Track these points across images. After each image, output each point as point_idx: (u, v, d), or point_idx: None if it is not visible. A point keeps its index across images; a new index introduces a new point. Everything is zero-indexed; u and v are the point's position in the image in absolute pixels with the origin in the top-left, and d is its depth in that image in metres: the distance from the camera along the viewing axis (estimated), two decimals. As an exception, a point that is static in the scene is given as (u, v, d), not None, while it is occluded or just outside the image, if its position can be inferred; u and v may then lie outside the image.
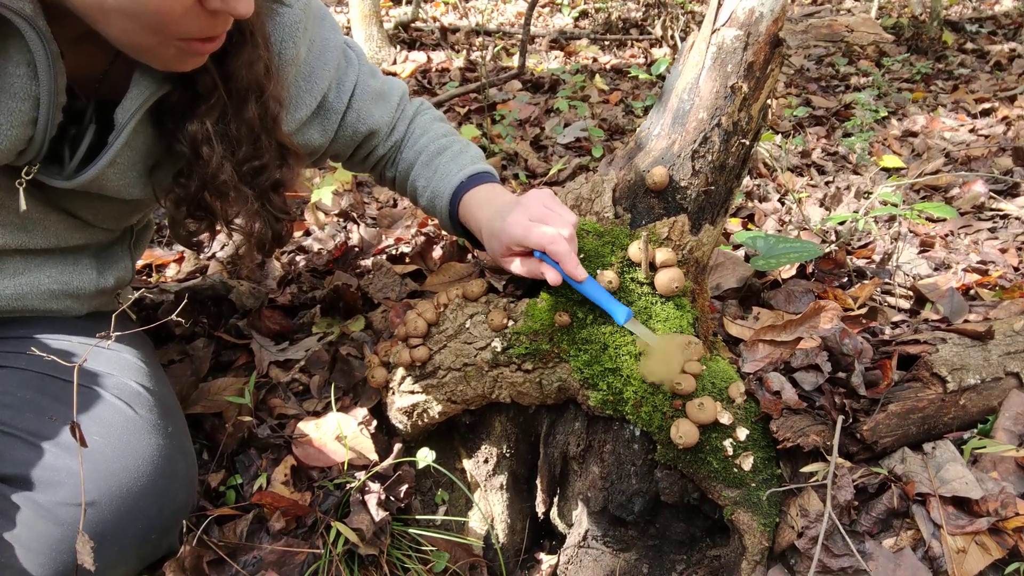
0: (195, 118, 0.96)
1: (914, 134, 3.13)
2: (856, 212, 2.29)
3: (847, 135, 3.08)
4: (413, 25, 4.55)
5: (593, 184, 1.26)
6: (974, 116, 3.35)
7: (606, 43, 4.40)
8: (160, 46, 0.83)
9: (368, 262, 2.06)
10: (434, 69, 3.97)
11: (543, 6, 5.08)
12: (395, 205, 2.63)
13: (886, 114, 3.29)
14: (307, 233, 2.40)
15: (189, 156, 0.99)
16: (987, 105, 3.41)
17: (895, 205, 2.25)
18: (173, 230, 1.12)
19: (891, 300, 1.77)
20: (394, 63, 4.00)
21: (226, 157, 0.99)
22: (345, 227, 2.45)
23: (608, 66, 4.08)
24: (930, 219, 2.32)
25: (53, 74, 0.84)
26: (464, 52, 4.20)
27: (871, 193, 2.47)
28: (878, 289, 1.83)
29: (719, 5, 1.28)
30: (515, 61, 3.83)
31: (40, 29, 0.81)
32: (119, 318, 1.00)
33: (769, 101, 1.45)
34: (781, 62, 1.28)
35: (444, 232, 2.42)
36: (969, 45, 4.42)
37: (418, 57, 4.07)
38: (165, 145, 1.02)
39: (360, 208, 2.56)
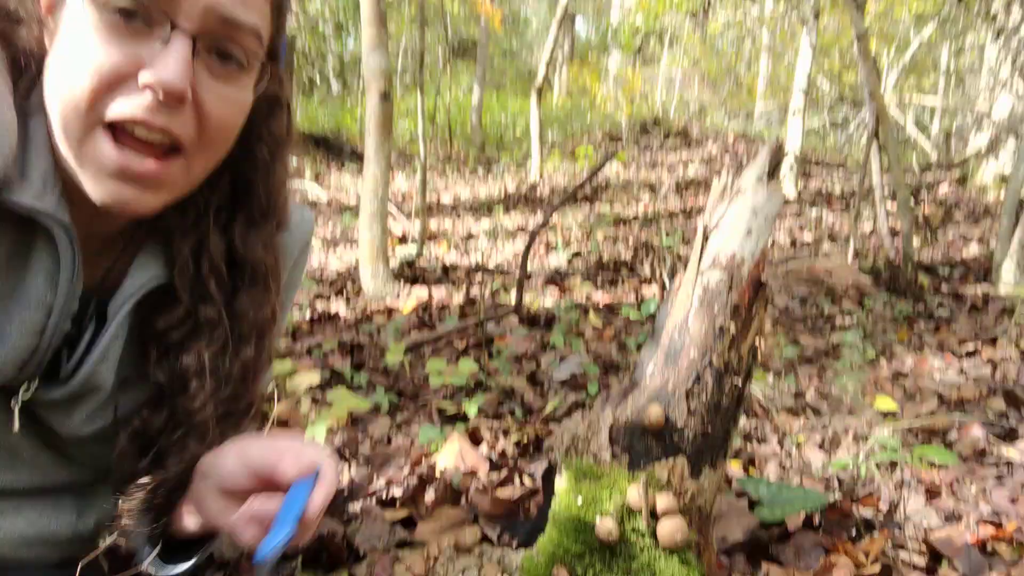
0: (192, 351, 0.88)
1: (904, 375, 3.18)
2: (856, 456, 2.26)
3: (839, 376, 3.13)
4: (417, 263, 4.82)
5: (589, 422, 1.25)
6: (960, 357, 3.44)
7: (599, 281, 4.64)
8: (89, 134, 0.72)
9: (357, 507, 1.99)
10: (435, 304, 4.13)
11: (539, 246, 5.42)
12: (389, 443, 2.60)
13: (874, 354, 3.37)
14: (297, 473, 2.34)
15: (171, 388, 0.89)
16: (971, 347, 3.51)
17: (894, 450, 2.22)
18: (117, 466, 0.94)
19: (904, 555, 1.69)
20: (397, 297, 4.18)
21: (212, 395, 0.90)
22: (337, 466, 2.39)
23: (601, 303, 4.25)
24: (931, 464, 2.28)
25: (72, 284, 0.79)
26: (464, 288, 4.40)
27: (869, 436, 2.45)
28: (889, 542, 1.75)
29: (702, 250, 1.37)
30: (512, 298, 4.01)
31: (72, 237, 0.77)
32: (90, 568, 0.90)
33: (758, 341, 1.50)
34: (766, 303, 1.33)
35: (437, 473, 2.36)
36: (944, 287, 4.66)
37: (420, 293, 4.26)
38: (142, 368, 0.91)
39: (353, 446, 2.52)
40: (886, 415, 2.76)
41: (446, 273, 4.72)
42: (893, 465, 2.31)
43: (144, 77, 0.69)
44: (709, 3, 8.46)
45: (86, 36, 0.70)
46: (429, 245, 5.39)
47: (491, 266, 4.88)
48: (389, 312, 4.01)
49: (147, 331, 0.89)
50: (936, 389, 3.01)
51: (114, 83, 0.70)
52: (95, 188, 0.74)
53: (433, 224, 6.15)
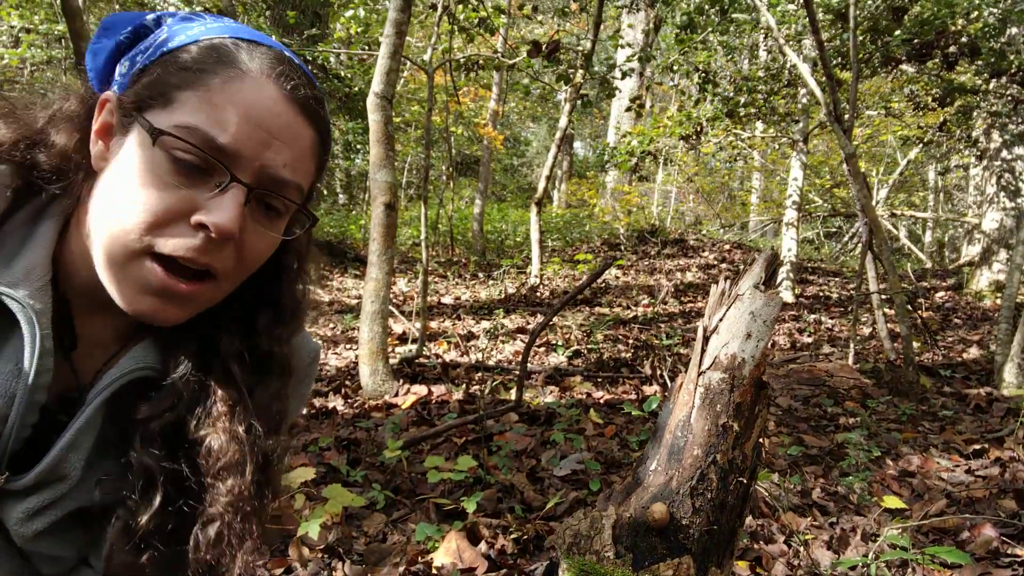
0: (219, 433, 0.88)
1: (911, 474, 3.12)
2: (865, 556, 2.19)
3: (844, 474, 3.07)
4: (417, 361, 4.82)
5: (592, 520, 1.22)
6: (967, 457, 3.38)
7: (599, 379, 4.62)
8: (136, 260, 0.76)
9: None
10: (434, 401, 4.10)
11: (539, 346, 5.43)
12: (384, 540, 2.52)
13: (879, 453, 3.32)
14: (288, 571, 2.26)
15: (168, 477, 0.87)
16: (977, 446, 3.46)
17: (904, 549, 2.16)
18: (107, 566, 0.92)
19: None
20: (396, 395, 4.15)
21: (242, 482, 0.89)
22: (330, 564, 2.31)
23: (602, 400, 4.22)
24: (944, 564, 2.20)
25: (36, 372, 0.78)
26: (464, 386, 4.38)
27: (878, 535, 2.38)
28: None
29: (703, 350, 1.39)
30: (512, 395, 3.98)
31: (42, 325, 0.78)
32: None
33: (761, 440, 1.48)
34: (768, 403, 1.34)
35: (434, 571, 2.28)
36: (947, 388, 4.63)
37: (419, 390, 4.24)
38: (126, 457, 0.88)
39: (348, 543, 2.44)
40: (895, 514, 2.69)
41: (446, 371, 4.71)
42: (904, 565, 2.23)
43: (199, 217, 0.75)
44: (701, 128, 8.85)
45: (146, 175, 0.75)
46: (429, 345, 5.40)
47: (491, 364, 4.87)
48: (387, 408, 3.97)
49: (130, 420, 0.88)
50: (945, 489, 2.94)
51: (169, 221, 0.75)
52: (133, 301, 0.78)
53: (434, 324, 6.18)
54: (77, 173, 0.84)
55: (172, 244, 0.75)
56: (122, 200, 0.76)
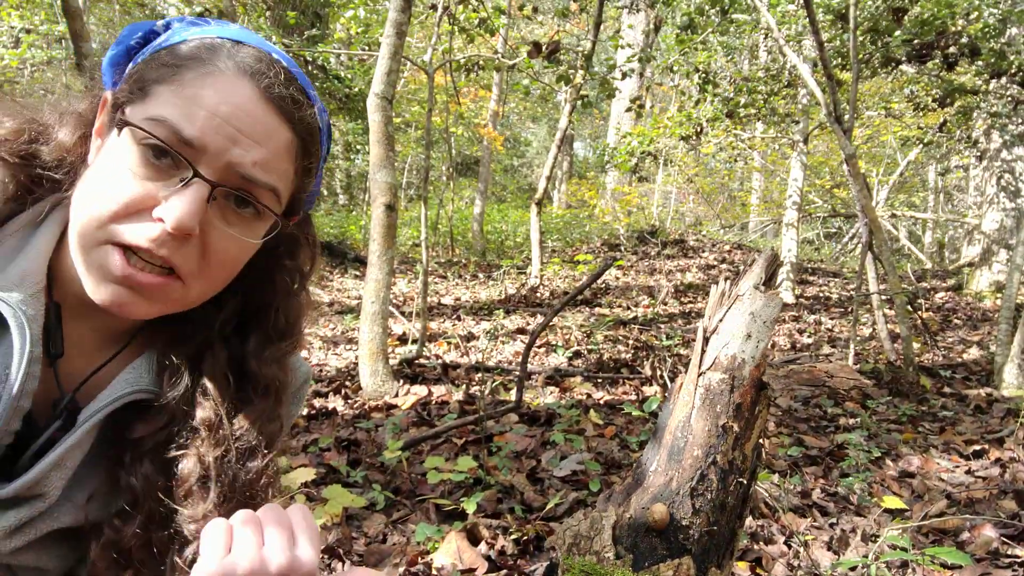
0: (192, 455, 0.86)
1: (911, 475, 3.12)
2: (866, 557, 2.19)
3: (844, 475, 3.07)
4: (417, 362, 4.82)
5: (592, 520, 1.22)
6: (967, 457, 3.38)
7: (599, 380, 4.62)
8: (100, 247, 0.76)
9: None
10: (434, 401, 4.10)
11: (539, 347, 5.43)
12: (384, 541, 2.52)
13: (879, 454, 3.32)
14: (288, 570, 2.26)
15: (149, 494, 0.86)
16: (977, 447, 3.46)
17: (905, 550, 2.16)
18: None
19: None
20: (396, 396, 4.15)
21: (218, 505, 0.87)
22: (330, 564, 2.31)
23: (602, 401, 4.22)
24: (944, 565, 2.20)
25: (23, 379, 0.77)
26: (464, 387, 4.38)
27: (878, 536, 2.38)
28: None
29: (703, 351, 1.39)
30: (512, 396, 3.98)
31: (32, 332, 0.77)
32: None
33: (761, 440, 1.48)
34: (768, 404, 1.34)
35: (434, 572, 2.28)
36: (947, 389, 4.63)
37: (419, 390, 4.24)
38: (115, 474, 0.88)
39: (347, 544, 2.44)
40: (895, 515, 2.69)
41: (446, 372, 4.71)
42: (904, 566, 2.23)
43: (158, 211, 0.75)
44: (701, 129, 8.85)
45: (118, 165, 0.76)
46: (429, 346, 5.40)
47: (491, 365, 4.87)
48: (388, 409, 3.97)
49: (121, 438, 0.87)
50: (945, 489, 2.94)
51: (131, 212, 0.75)
52: (97, 289, 0.78)
53: (434, 325, 6.18)
54: (77, 170, 0.85)
55: (130, 232, 0.75)
56: (93, 191, 0.77)
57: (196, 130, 0.75)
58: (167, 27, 0.85)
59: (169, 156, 0.75)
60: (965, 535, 2.51)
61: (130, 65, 0.83)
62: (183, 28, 0.84)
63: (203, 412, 0.88)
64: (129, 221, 0.75)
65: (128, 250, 0.76)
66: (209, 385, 0.89)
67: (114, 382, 0.85)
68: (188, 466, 0.86)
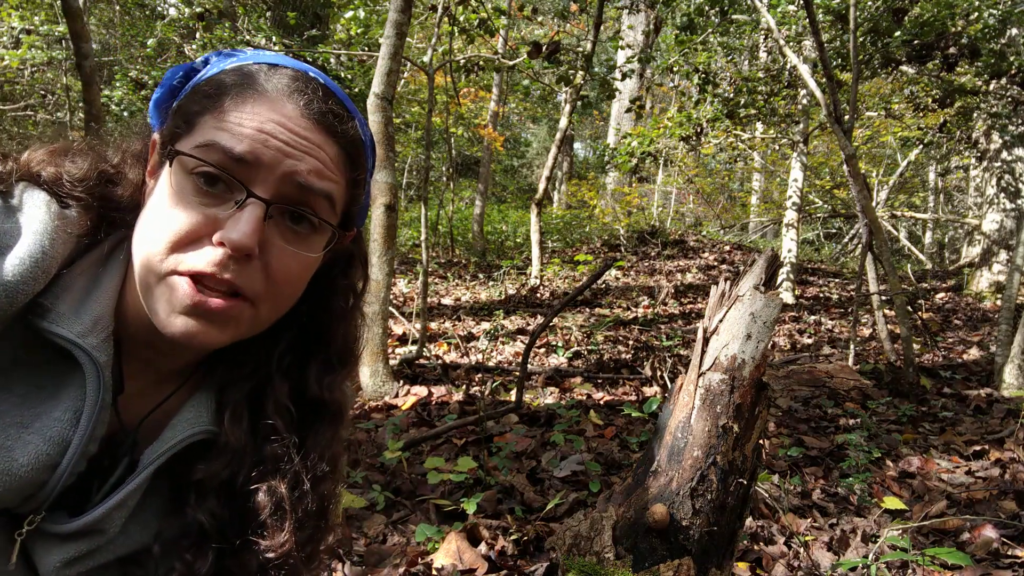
0: (265, 488, 0.88)
1: (911, 475, 3.12)
2: (866, 557, 2.19)
3: (845, 476, 3.07)
4: (417, 362, 4.82)
5: (592, 521, 1.22)
6: (967, 458, 3.38)
7: (599, 381, 4.62)
8: (165, 280, 0.77)
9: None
10: (434, 402, 4.10)
11: (539, 347, 5.42)
12: (384, 541, 2.52)
13: (879, 455, 3.32)
14: (288, 569, 2.26)
15: (218, 530, 0.88)
16: (977, 448, 3.45)
17: (905, 550, 2.15)
18: None
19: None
20: (396, 396, 4.15)
21: (295, 532, 0.89)
22: (330, 564, 2.31)
23: (602, 401, 4.22)
24: (944, 566, 2.20)
25: (93, 425, 0.78)
26: (464, 387, 4.38)
27: (878, 537, 2.38)
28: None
29: (703, 352, 1.39)
30: (512, 396, 3.98)
31: (105, 378, 0.78)
32: None
33: (761, 441, 1.48)
34: (768, 404, 1.34)
35: (434, 573, 2.28)
36: (947, 389, 4.63)
37: (419, 391, 4.24)
38: (180, 511, 0.89)
39: (347, 544, 2.44)
40: (895, 515, 2.69)
41: (446, 372, 4.71)
42: (904, 566, 2.23)
43: (217, 236, 0.76)
44: (701, 129, 8.85)
45: (172, 198, 0.78)
46: (429, 346, 5.40)
47: (491, 365, 4.87)
48: (388, 409, 3.97)
49: (183, 475, 0.88)
50: (945, 490, 2.94)
51: (191, 240, 0.76)
52: (167, 321, 0.78)
53: (434, 325, 6.18)
54: (138, 209, 0.86)
55: (193, 259, 0.76)
56: (152, 226, 0.78)
57: (246, 147, 0.76)
58: (205, 63, 0.87)
59: (222, 181, 0.77)
60: (965, 536, 2.51)
61: (174, 103, 0.85)
62: (220, 60, 0.86)
63: (270, 447, 0.89)
64: (190, 249, 0.76)
65: (194, 278, 0.77)
66: (272, 420, 0.90)
67: (175, 423, 0.86)
68: (260, 499, 0.88)
